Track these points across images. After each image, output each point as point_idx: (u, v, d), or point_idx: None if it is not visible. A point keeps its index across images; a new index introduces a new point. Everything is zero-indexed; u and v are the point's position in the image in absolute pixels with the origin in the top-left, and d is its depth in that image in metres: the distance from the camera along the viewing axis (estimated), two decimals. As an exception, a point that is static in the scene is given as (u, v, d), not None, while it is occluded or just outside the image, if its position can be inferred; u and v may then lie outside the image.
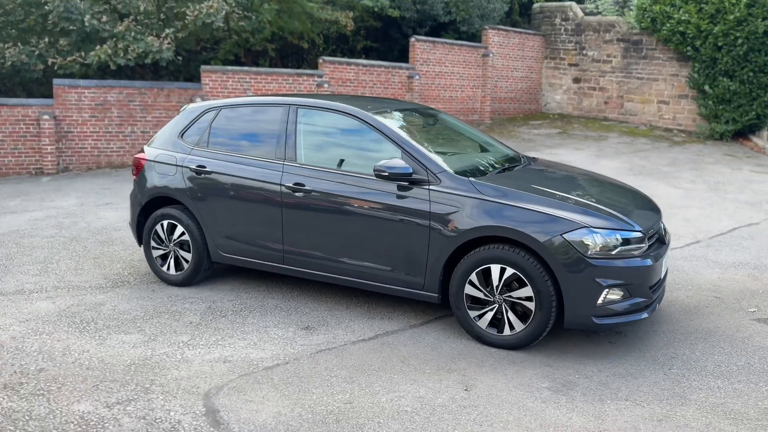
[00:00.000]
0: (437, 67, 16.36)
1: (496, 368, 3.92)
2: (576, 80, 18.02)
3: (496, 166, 4.84)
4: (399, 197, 4.41)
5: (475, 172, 4.54)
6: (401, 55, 18.15)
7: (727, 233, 7.31)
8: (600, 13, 18.18)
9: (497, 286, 4.13)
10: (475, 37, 17.85)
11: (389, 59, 17.09)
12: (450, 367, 3.94)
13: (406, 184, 4.41)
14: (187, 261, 5.42)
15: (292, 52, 17.49)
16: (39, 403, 3.49)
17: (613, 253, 3.96)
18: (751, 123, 14.79)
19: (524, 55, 18.17)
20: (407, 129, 4.87)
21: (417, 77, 15.74)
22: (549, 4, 18.50)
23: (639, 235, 4.07)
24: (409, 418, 3.32)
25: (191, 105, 5.67)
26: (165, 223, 5.44)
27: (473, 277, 4.19)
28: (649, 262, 4.06)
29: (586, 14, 18.26)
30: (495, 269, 4.11)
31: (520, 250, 4.05)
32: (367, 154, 4.82)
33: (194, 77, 16.62)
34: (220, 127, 5.35)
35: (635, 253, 4.03)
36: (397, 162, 4.36)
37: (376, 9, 16.24)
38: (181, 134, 5.50)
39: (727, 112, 14.86)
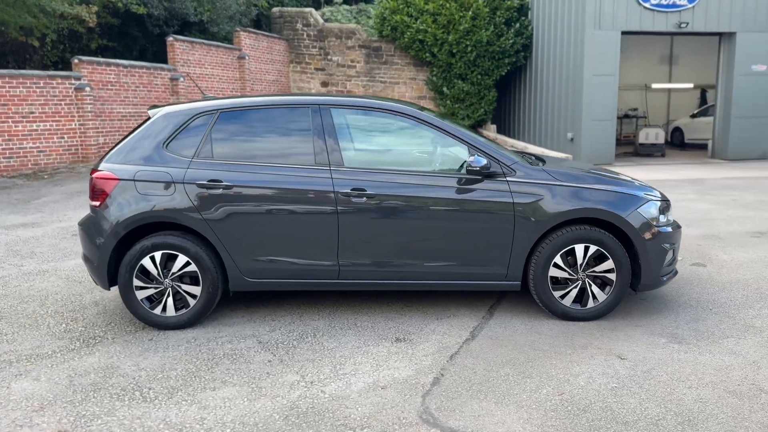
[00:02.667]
0: (198, 68, 15.49)
1: (611, 337, 4.31)
2: (324, 84, 18.84)
3: (531, 156, 5.18)
4: (476, 191, 4.45)
5: (530, 162, 4.82)
6: (141, 55, 16.69)
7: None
8: (337, 20, 19.26)
9: (581, 264, 4.51)
10: (216, 37, 17.32)
11: (128, 59, 15.50)
12: (578, 344, 4.20)
13: (480, 177, 4.47)
14: (193, 297, 4.50)
15: (11, 51, 14.59)
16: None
17: (663, 220, 4.69)
18: (481, 118, 17.51)
19: (273, 58, 18.31)
20: (457, 126, 4.88)
21: (181, 79, 14.69)
22: (289, 9, 18.91)
23: (668, 204, 4.88)
24: (632, 392, 3.51)
25: (166, 109, 4.66)
26: (158, 255, 4.42)
27: (557, 259, 4.50)
28: (677, 225, 4.90)
29: (326, 21, 19.17)
30: (579, 248, 4.48)
31: (600, 228, 4.50)
32: (423, 153, 4.71)
33: None
34: (223, 134, 4.55)
35: (671, 219, 4.84)
36: (480, 158, 4.40)
37: (119, 5, 14.62)
38: (165, 145, 4.52)
39: (462, 110, 17.31)
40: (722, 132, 16.13)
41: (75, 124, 12.51)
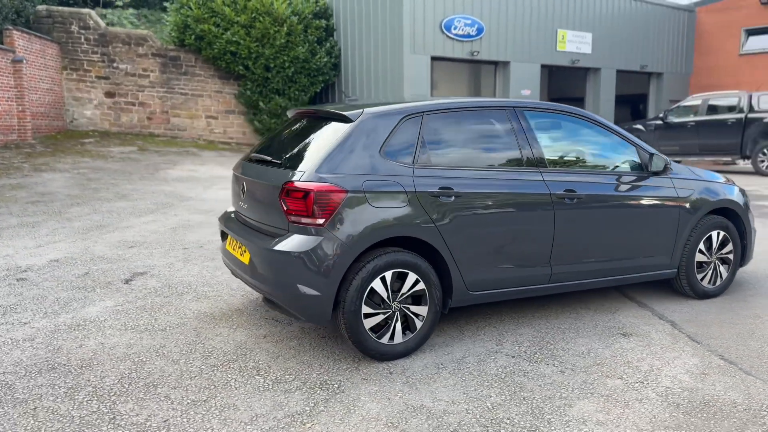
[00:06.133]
0: (-29, 70, 12.37)
1: (757, 306, 4.89)
2: (109, 94, 16.55)
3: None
4: (653, 188, 4.70)
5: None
6: None
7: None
8: (122, 25, 17.09)
9: (714, 249, 5.08)
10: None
11: None
12: (749, 314, 4.65)
13: (646, 175, 4.75)
14: (420, 318, 3.86)
15: None
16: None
17: (746, 206, 5.51)
18: (295, 135, 17.29)
19: (46, 63, 15.51)
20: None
21: (-42, 83, 11.58)
22: (61, 9, 16.21)
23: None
24: None
25: (370, 111, 3.85)
26: (389, 274, 3.70)
27: (701, 245, 5.00)
28: None
29: (110, 25, 16.87)
30: (714, 235, 5.05)
31: (723, 217, 5.13)
32: (599, 153, 4.76)
33: None
34: (432, 138, 4.00)
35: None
36: (661, 157, 4.69)
37: None
38: (381, 151, 3.79)
39: (280, 125, 16.87)
40: (502, 147, 18.64)
41: None
